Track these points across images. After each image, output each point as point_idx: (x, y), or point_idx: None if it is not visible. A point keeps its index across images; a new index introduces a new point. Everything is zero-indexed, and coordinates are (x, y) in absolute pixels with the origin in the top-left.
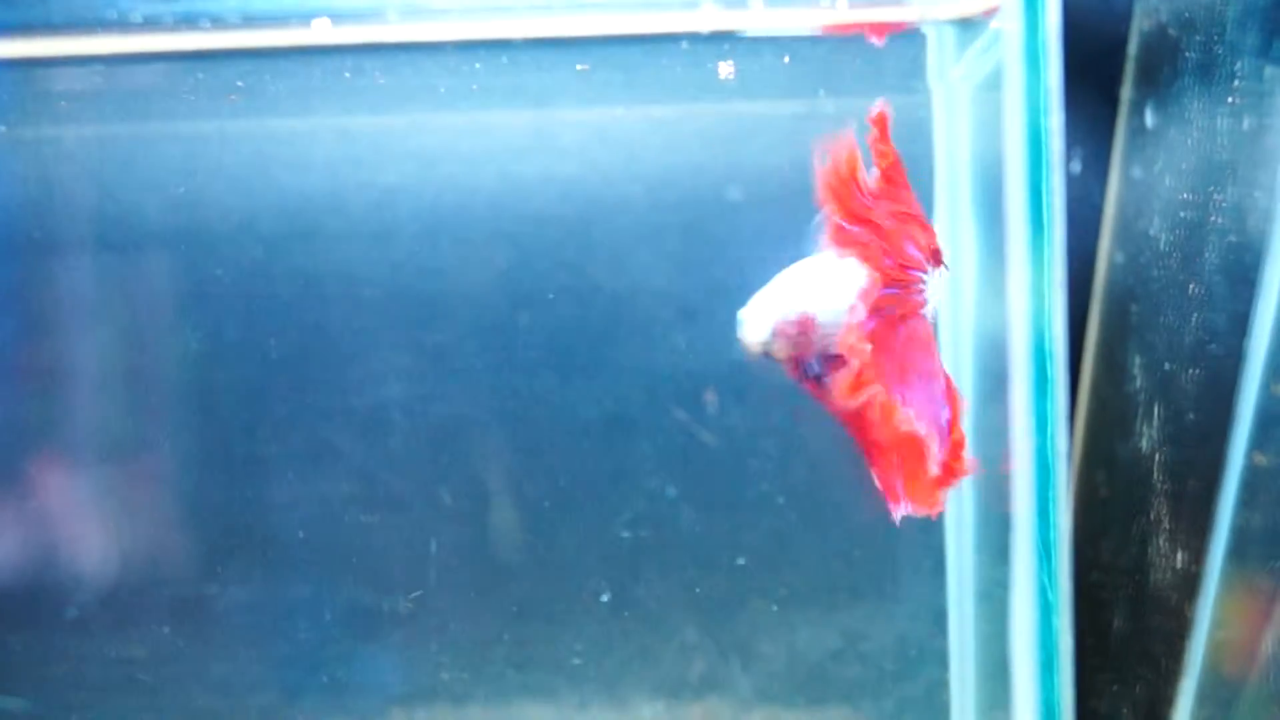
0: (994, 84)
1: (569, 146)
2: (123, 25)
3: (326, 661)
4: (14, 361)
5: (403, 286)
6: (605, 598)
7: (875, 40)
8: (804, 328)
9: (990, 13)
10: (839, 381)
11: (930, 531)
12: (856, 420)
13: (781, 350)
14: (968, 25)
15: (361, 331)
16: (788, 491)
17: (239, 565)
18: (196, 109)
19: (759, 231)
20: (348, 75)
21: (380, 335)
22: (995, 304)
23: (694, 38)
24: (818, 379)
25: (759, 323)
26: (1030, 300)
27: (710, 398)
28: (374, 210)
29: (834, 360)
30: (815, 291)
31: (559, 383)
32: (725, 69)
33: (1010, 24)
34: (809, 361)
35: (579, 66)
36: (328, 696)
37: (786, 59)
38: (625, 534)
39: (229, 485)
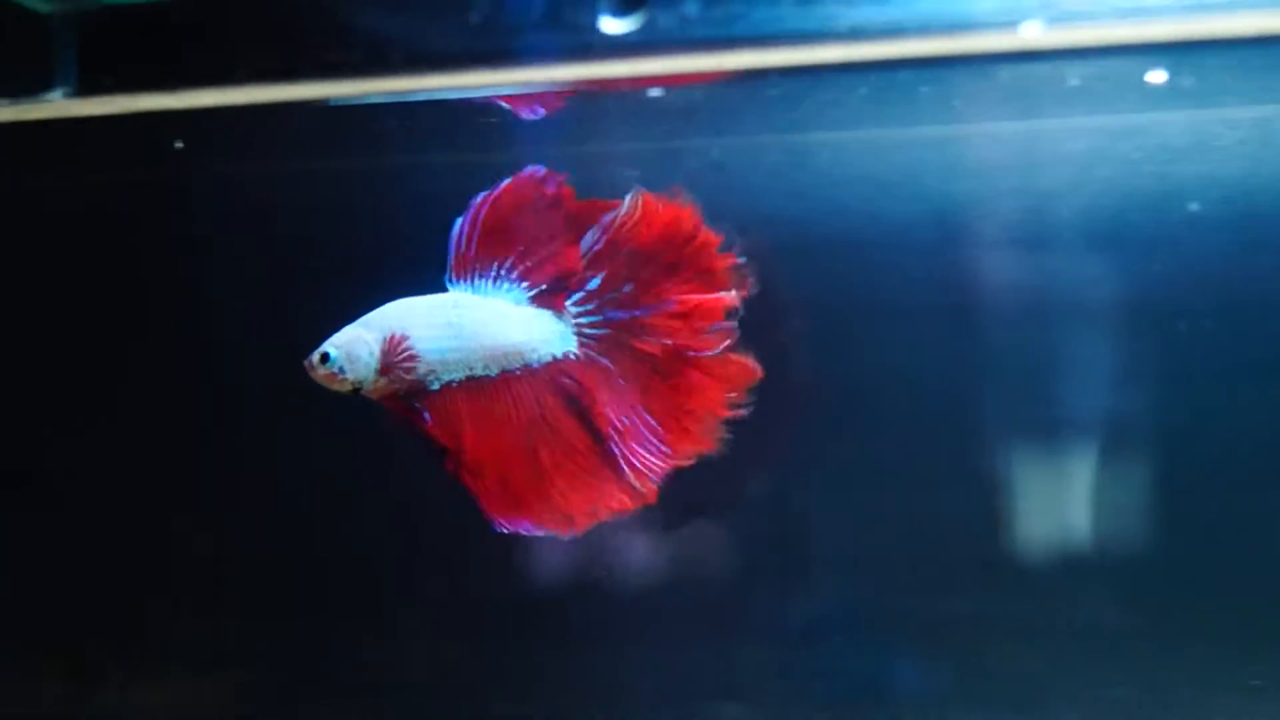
0: None
1: (1231, 147)
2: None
3: (875, 671)
4: None
5: (1058, 294)
6: None
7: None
8: (396, 357)
9: None
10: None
11: None
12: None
13: (382, 388)
14: None
15: (1011, 340)
16: None
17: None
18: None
19: None
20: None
21: (1036, 344)
22: None
23: None
24: (419, 415)
25: (356, 359)
26: None
27: None
28: (1029, 216)
29: (431, 396)
30: (411, 324)
31: (1242, 392)
32: None
33: None
34: (412, 400)
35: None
36: (875, 706)
37: None
38: None
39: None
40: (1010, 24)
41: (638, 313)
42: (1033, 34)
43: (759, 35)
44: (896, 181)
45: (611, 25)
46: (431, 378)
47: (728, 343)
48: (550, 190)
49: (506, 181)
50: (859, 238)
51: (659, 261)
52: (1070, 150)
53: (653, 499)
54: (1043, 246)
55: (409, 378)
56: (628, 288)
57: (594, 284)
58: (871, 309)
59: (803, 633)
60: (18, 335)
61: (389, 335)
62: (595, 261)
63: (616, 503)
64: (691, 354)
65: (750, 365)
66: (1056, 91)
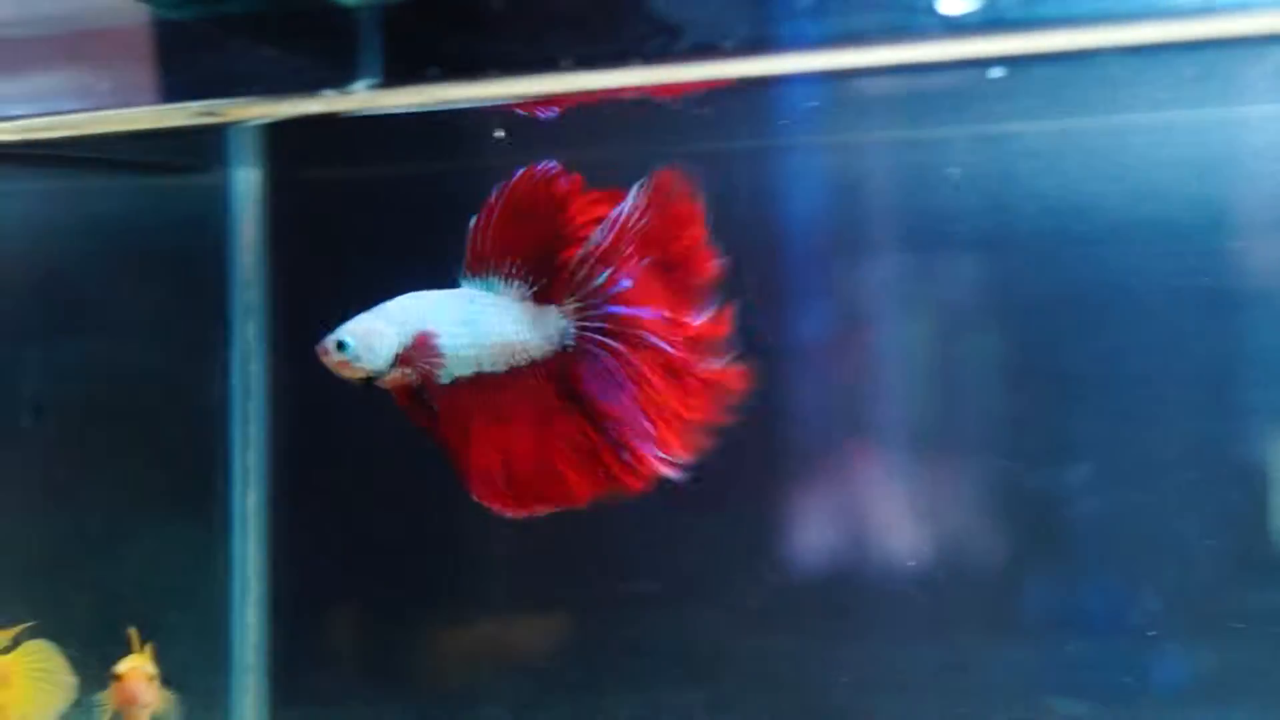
0: None
1: None
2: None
3: (1193, 666)
4: (836, 353)
5: None
6: None
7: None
8: (423, 353)
9: None
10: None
11: None
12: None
13: (396, 380)
14: None
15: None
16: None
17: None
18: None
19: None
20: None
21: None
22: None
23: None
24: (429, 407)
25: (372, 349)
26: None
27: None
28: None
29: (443, 390)
30: (430, 318)
31: None
32: None
33: None
34: (422, 393)
35: None
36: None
37: None
38: None
39: (1030, 481)
40: None
41: (640, 312)
42: None
43: (1088, 15)
44: (1219, 163)
45: (950, 5)
46: (444, 373)
47: (727, 359)
48: (560, 187)
49: (517, 176)
50: (1179, 221)
51: (657, 262)
52: None
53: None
54: None
55: (426, 372)
56: (625, 284)
57: (599, 281)
58: (1194, 293)
59: (1121, 627)
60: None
61: (415, 329)
62: (602, 259)
63: (618, 486)
64: (692, 367)
65: (744, 374)
66: None
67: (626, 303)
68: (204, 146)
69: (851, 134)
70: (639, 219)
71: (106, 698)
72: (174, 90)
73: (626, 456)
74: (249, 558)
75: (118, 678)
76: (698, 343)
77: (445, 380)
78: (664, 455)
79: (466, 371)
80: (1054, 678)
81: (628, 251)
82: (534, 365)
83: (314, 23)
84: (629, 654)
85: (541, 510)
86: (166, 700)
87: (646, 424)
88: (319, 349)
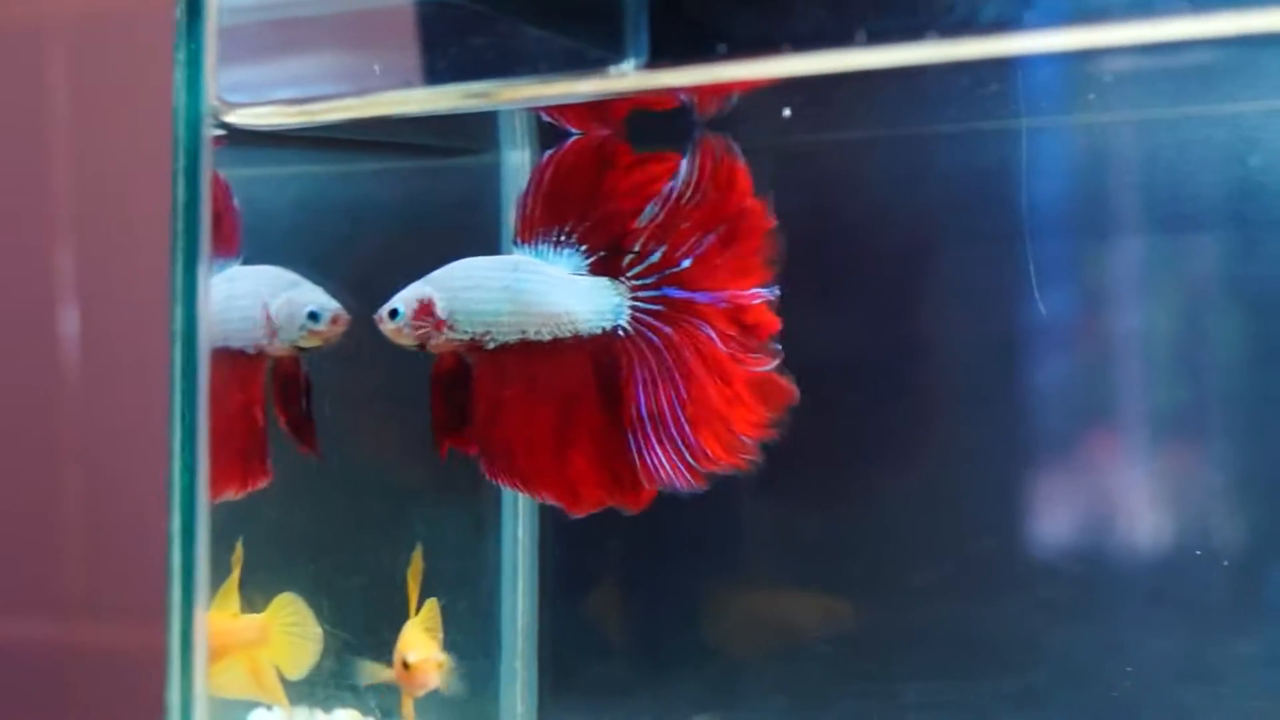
0: None
1: None
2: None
3: None
4: (1076, 339)
5: None
6: None
7: None
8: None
9: None
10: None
11: None
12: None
13: (443, 345)
14: None
15: None
16: None
17: None
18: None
19: None
20: None
21: None
22: None
23: None
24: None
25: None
26: None
27: None
28: None
29: (485, 356)
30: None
31: None
32: None
33: None
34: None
35: None
36: None
37: None
38: None
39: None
40: None
41: (696, 295)
42: None
43: None
44: None
45: None
46: (488, 338)
47: (775, 362)
48: (609, 154)
49: (567, 144)
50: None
51: (715, 235)
52: None
53: (646, 501)
54: None
55: (465, 337)
56: (686, 263)
57: (655, 257)
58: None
59: None
60: None
61: (450, 295)
62: (656, 233)
63: (617, 496)
64: (742, 365)
65: (790, 388)
66: None
67: (683, 284)
68: (475, 128)
69: (1138, 110)
70: (691, 192)
71: (389, 678)
72: (443, 72)
73: (647, 460)
74: (520, 543)
75: (407, 666)
76: (751, 335)
77: (490, 346)
78: (694, 462)
79: (511, 338)
80: None
81: (684, 227)
82: (580, 341)
83: (580, 2)
84: (917, 643)
85: (547, 497)
86: (449, 673)
87: (685, 425)
88: (375, 318)
